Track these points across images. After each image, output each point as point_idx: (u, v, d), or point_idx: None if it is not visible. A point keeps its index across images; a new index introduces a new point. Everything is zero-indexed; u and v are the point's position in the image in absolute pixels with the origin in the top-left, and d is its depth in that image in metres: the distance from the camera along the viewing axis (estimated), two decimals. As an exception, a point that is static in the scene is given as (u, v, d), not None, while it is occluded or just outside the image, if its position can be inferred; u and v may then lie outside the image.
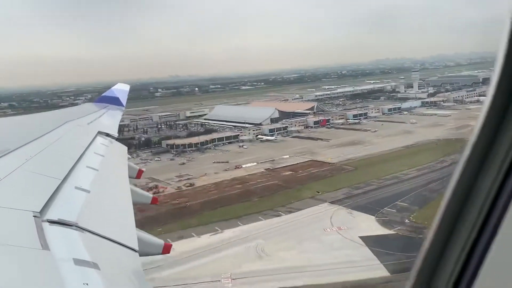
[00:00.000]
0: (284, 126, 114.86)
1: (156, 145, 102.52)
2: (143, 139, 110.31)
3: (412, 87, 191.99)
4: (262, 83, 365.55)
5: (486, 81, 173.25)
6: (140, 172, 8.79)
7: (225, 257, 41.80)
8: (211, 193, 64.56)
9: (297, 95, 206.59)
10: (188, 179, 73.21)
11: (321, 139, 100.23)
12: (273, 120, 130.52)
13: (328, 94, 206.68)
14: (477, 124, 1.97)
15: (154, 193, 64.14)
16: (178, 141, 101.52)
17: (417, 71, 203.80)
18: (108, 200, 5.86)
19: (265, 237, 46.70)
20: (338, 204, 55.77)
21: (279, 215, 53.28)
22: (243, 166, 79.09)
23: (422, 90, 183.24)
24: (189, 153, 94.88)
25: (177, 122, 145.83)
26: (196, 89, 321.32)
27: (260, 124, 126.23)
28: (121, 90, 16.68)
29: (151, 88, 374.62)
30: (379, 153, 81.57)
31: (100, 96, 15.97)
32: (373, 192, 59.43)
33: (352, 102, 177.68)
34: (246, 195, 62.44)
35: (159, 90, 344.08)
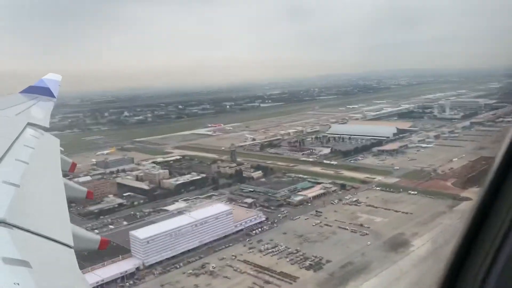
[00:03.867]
0: (422, 138, 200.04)
1: (359, 151, 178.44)
2: (339, 149, 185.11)
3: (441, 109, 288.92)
4: (270, 101, 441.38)
5: (487, 106, 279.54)
6: (73, 165, 9.15)
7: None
8: (477, 169, 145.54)
9: (359, 114, 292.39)
10: (440, 166, 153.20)
11: (457, 146, 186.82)
12: (395, 135, 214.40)
13: (379, 113, 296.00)
14: (506, 137, 2.49)
15: (442, 172, 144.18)
16: (377, 148, 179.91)
17: (449, 99, 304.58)
18: (40, 195, 5.96)
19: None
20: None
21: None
22: (453, 160, 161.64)
23: (454, 112, 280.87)
24: (394, 155, 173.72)
25: (318, 137, 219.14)
26: (228, 106, 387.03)
27: (388, 137, 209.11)
28: (52, 80, 17.25)
29: (162, 103, 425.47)
30: None
31: (28, 86, 16.06)
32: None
33: (409, 121, 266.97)
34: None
35: (179, 107, 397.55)
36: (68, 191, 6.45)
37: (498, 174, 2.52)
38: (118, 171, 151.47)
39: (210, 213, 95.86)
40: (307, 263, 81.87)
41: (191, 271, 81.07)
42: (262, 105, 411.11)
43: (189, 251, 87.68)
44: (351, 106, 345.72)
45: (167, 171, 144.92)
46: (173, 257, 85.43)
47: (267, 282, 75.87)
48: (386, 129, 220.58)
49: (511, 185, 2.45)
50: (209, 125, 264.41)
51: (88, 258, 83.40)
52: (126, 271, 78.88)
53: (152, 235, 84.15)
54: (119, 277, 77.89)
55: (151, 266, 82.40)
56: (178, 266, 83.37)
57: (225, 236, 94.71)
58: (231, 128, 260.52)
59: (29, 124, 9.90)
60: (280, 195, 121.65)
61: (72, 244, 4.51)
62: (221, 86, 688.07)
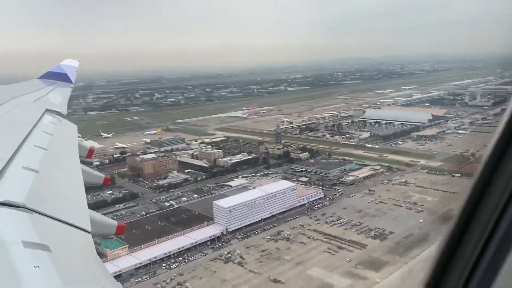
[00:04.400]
0: (457, 125, 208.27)
1: (398, 136, 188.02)
2: (377, 133, 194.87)
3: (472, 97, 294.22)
4: (295, 85, 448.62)
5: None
6: (91, 152, 9.58)
7: None
8: None
9: (390, 100, 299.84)
10: (478, 151, 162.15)
11: (491, 132, 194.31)
12: (430, 121, 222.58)
13: (410, 99, 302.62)
14: (495, 132, 2.48)
15: (481, 156, 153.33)
16: (416, 133, 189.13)
17: (479, 86, 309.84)
18: (59, 180, 6.25)
19: None
20: None
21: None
22: (488, 145, 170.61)
23: (484, 99, 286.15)
24: (432, 141, 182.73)
25: (354, 122, 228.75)
26: (255, 90, 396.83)
27: (424, 123, 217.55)
28: (70, 66, 17.86)
29: (189, 86, 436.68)
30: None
31: (46, 72, 16.65)
32: None
33: (438, 107, 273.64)
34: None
35: (207, 89, 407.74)
36: (85, 177, 6.68)
37: (485, 171, 2.66)
38: (172, 150, 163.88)
39: (278, 188, 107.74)
40: (372, 233, 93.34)
41: (269, 236, 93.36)
42: (288, 89, 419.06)
43: (262, 220, 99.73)
44: (379, 92, 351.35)
45: (220, 150, 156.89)
46: (250, 224, 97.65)
47: (340, 247, 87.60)
48: (421, 115, 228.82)
49: (496, 186, 2.57)
50: (243, 108, 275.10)
51: (179, 223, 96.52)
52: (214, 235, 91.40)
53: (233, 204, 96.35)
54: (208, 240, 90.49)
55: (233, 231, 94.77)
56: (256, 232, 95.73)
57: (291, 209, 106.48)
58: (264, 111, 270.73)
59: (47, 110, 10.27)
60: (332, 175, 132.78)
61: (89, 229, 4.75)
62: (241, 69, 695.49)
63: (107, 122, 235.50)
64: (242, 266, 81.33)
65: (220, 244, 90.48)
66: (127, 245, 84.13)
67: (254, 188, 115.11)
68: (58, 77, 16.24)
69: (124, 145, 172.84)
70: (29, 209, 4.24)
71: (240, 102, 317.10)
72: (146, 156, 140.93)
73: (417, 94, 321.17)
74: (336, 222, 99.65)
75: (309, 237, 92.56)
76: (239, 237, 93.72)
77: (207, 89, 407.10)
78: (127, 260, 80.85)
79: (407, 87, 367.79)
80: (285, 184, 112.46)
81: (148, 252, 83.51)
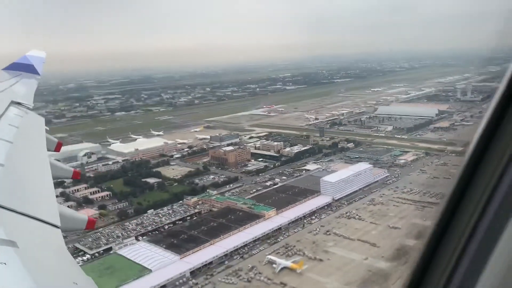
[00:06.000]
0: (462, 118, 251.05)
1: (417, 128, 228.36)
2: (398, 126, 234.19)
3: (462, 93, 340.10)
4: (290, 84, 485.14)
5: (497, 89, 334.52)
6: (59, 145, 9.71)
7: None
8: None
9: (390, 97, 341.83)
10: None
11: None
12: (437, 115, 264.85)
13: (409, 96, 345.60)
14: (475, 133, 2.66)
15: None
16: (432, 126, 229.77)
17: (463, 83, 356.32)
18: (26, 175, 6.31)
19: None
20: None
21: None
22: None
23: (473, 95, 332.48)
24: (448, 131, 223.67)
25: (371, 117, 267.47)
26: (258, 89, 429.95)
27: (433, 117, 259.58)
28: (36, 57, 18.13)
29: (187, 85, 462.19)
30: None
31: (11, 63, 16.96)
32: None
33: (437, 103, 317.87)
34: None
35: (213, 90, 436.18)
36: (54, 171, 6.88)
37: (464, 174, 2.89)
38: (232, 143, 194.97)
39: (360, 168, 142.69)
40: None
41: (367, 202, 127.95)
42: (287, 88, 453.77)
43: (354, 192, 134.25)
44: (375, 89, 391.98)
45: (281, 142, 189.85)
46: (348, 195, 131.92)
47: (423, 206, 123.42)
48: (428, 110, 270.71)
49: (476, 187, 2.75)
50: (263, 106, 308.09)
51: (295, 195, 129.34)
52: (327, 202, 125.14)
53: (336, 180, 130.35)
54: (325, 205, 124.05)
55: (338, 200, 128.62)
56: (355, 200, 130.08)
57: (370, 184, 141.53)
58: (282, 109, 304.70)
59: (13, 102, 10.38)
60: (384, 159, 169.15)
61: (59, 224, 4.84)
62: (223, 68, 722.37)
63: (143, 121, 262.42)
64: (363, 220, 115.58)
65: (334, 208, 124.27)
66: (275, 208, 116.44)
67: (332, 170, 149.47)
68: (24, 68, 16.78)
69: (185, 141, 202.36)
70: None
71: (251, 101, 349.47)
72: (227, 148, 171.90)
73: (411, 91, 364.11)
74: (410, 192, 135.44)
75: (397, 202, 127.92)
76: (345, 203, 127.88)
77: (207, 89, 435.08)
78: (278, 219, 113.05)
79: (397, 85, 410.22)
80: (364, 165, 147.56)
81: (290, 213, 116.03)
